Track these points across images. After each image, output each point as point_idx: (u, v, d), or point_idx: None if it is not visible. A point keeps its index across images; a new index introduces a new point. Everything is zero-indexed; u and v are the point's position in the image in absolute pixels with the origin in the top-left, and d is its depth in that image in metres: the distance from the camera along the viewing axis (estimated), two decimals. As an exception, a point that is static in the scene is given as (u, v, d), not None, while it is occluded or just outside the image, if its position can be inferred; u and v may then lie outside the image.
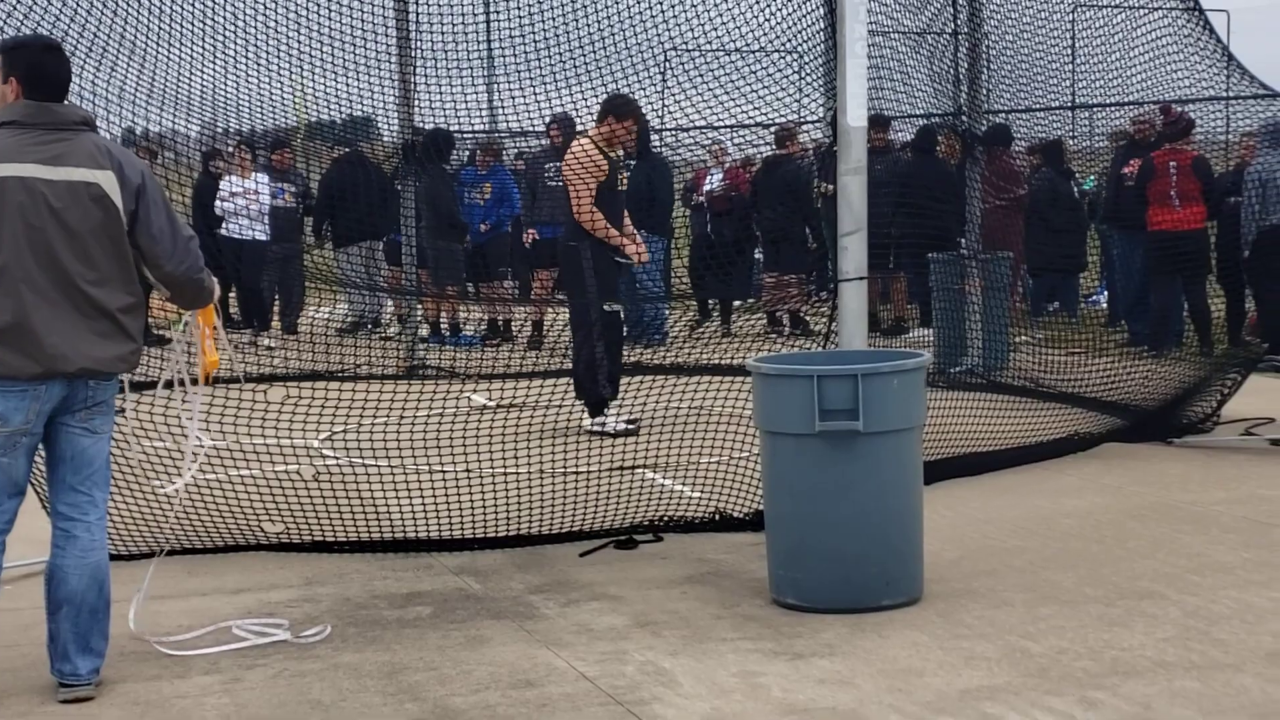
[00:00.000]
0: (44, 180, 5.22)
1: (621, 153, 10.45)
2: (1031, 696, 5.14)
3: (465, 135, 14.16)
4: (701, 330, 15.41)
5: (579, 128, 10.61)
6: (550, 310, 15.18)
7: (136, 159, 5.50)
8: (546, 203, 14.77)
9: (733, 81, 9.55)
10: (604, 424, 10.08)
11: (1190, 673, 5.34)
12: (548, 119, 12.47)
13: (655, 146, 13.62)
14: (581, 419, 10.25)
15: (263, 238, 15.85)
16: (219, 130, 13.29)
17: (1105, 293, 16.00)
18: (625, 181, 10.70)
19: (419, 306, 14.57)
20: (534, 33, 10.13)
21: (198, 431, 6.06)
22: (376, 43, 10.79)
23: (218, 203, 15.70)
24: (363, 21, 10.44)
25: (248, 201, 15.61)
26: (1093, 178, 15.71)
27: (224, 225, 15.75)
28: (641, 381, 9.39)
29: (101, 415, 5.43)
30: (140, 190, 5.34)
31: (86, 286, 5.26)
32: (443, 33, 10.59)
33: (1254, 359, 10.96)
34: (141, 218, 5.35)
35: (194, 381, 5.96)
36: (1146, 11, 10.65)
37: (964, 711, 5.02)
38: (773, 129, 13.28)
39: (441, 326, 15.41)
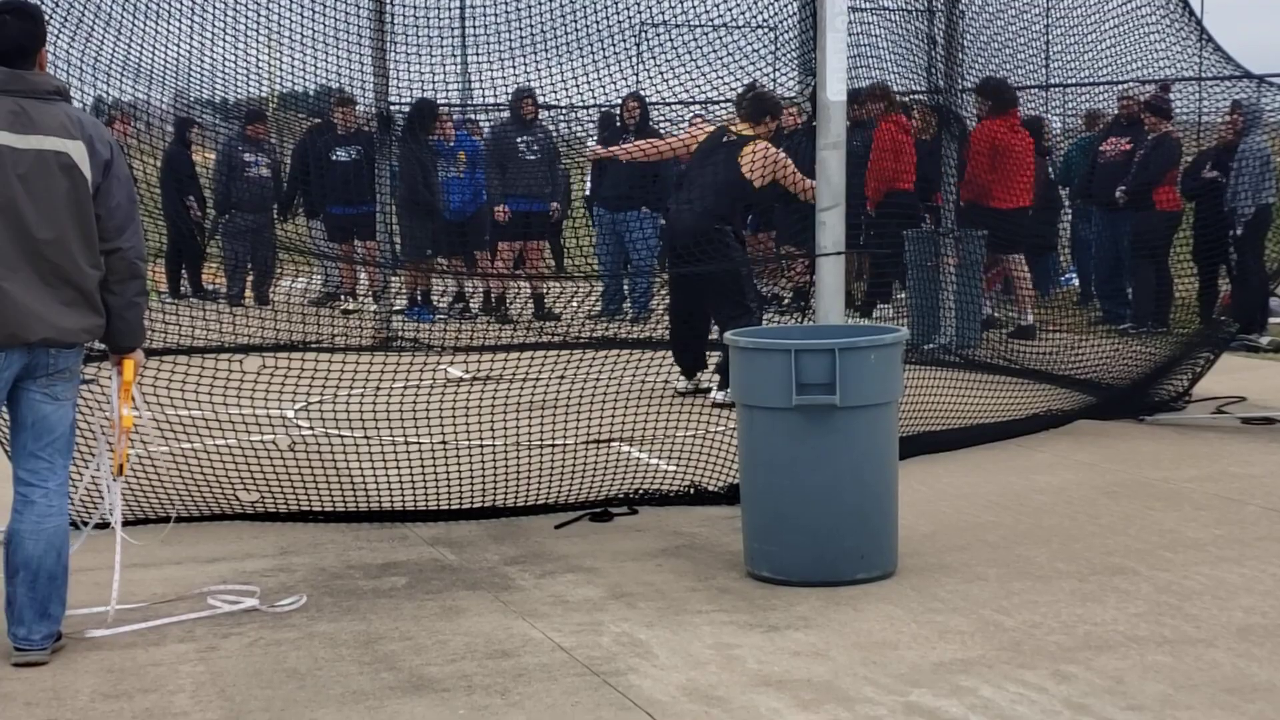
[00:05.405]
0: (10, 148, 5.19)
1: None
2: (1005, 670, 5.17)
3: (440, 108, 14.10)
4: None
5: (732, 128, 10.27)
6: (542, 284, 15.11)
7: (108, 133, 5.49)
8: (520, 177, 14.70)
9: (705, 57, 9.52)
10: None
11: (1162, 647, 5.38)
12: (511, 93, 12.45)
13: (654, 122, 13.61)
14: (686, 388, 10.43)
15: None
16: (193, 100, 13.20)
17: (1076, 273, 15.98)
18: None
19: (396, 280, 14.49)
20: (509, 5, 10.07)
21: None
22: (348, 12, 10.68)
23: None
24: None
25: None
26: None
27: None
28: (619, 355, 9.37)
29: (64, 382, 5.41)
30: (108, 165, 5.34)
31: (53, 255, 5.24)
32: (416, 4, 10.52)
33: (1226, 338, 10.99)
34: (103, 190, 5.34)
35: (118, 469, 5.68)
36: None
37: (938, 684, 5.05)
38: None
39: (433, 299, 15.32)
